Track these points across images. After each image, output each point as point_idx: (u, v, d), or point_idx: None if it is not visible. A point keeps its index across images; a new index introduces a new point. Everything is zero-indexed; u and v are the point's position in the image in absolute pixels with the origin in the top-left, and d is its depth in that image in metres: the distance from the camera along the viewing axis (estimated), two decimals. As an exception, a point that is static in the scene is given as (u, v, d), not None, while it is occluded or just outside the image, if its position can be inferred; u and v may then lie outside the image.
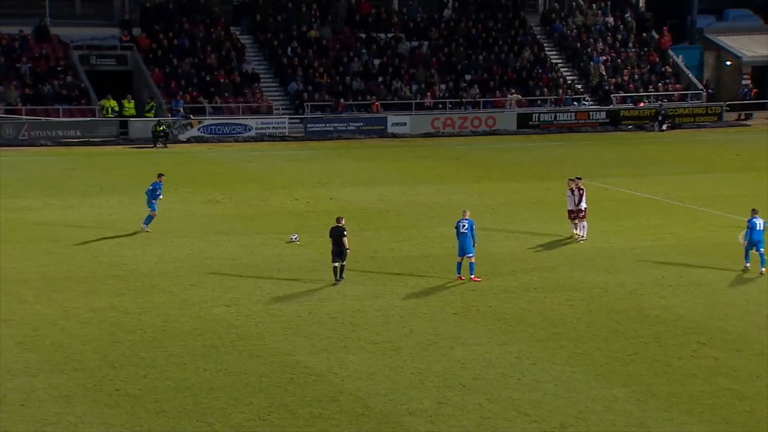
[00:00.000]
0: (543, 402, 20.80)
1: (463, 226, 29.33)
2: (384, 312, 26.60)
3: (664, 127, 63.88)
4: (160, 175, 36.18)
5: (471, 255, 29.27)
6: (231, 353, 23.51)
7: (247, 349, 23.74)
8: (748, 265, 30.52)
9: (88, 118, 59.16)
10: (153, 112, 59.65)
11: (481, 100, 65.32)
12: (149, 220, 35.12)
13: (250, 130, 60.13)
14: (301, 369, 22.53)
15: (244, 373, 22.23)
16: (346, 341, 24.37)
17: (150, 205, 35.15)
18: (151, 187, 35.39)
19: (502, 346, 24.10)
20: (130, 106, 60.15)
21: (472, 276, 29.28)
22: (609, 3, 73.09)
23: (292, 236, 34.00)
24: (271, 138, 59.81)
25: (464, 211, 30.08)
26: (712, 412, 20.39)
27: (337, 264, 29.25)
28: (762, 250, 30.15)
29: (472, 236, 29.32)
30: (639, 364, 22.96)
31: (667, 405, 20.73)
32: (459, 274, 29.42)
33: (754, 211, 30.77)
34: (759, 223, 30.23)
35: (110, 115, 59.45)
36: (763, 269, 30.10)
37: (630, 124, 64.78)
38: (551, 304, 27.39)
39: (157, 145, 56.82)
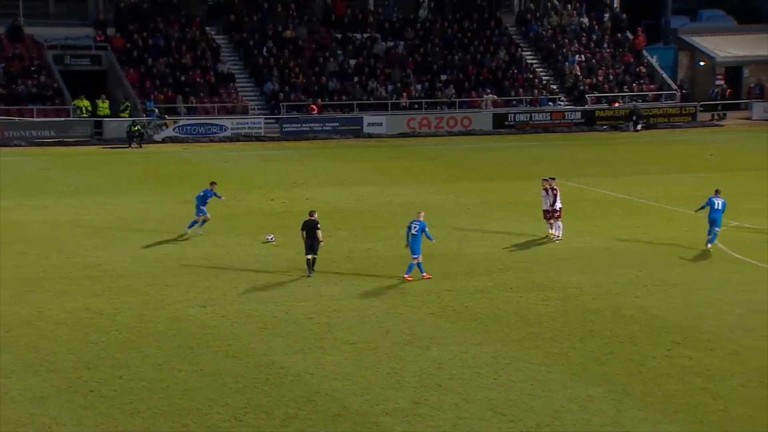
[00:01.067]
0: (519, 402, 20.85)
1: (414, 227, 29.38)
2: (360, 312, 26.60)
3: (639, 127, 64.16)
4: (212, 183, 35.33)
5: (417, 256, 29.27)
6: (206, 354, 23.46)
7: (222, 350, 23.69)
8: (710, 246, 32.45)
9: (63, 118, 58.89)
10: (128, 112, 59.42)
11: (457, 100, 65.42)
12: (202, 224, 34.39)
13: (225, 130, 60.00)
14: (277, 369, 22.50)
15: (219, 374, 22.18)
16: (322, 341, 24.36)
17: (199, 210, 34.42)
18: (201, 194, 34.70)
19: (478, 346, 24.14)
20: (104, 106, 59.89)
21: (407, 275, 29.26)
22: (584, 4, 73.34)
23: (268, 236, 33.96)
24: (247, 138, 59.71)
25: (418, 213, 30.17)
26: (686, 411, 20.49)
27: (310, 256, 29.46)
28: (717, 229, 32.26)
29: (428, 237, 29.35)
30: (614, 363, 23.06)
31: (642, 404, 20.82)
32: (408, 274, 29.45)
33: (717, 192, 33.09)
34: (718, 202, 32.65)
35: (84, 115, 59.19)
36: (710, 246, 32.36)
37: (605, 125, 65.03)
38: (527, 303, 27.46)
39: (132, 146, 56.62)
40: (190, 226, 34.66)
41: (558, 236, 34.20)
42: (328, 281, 29.30)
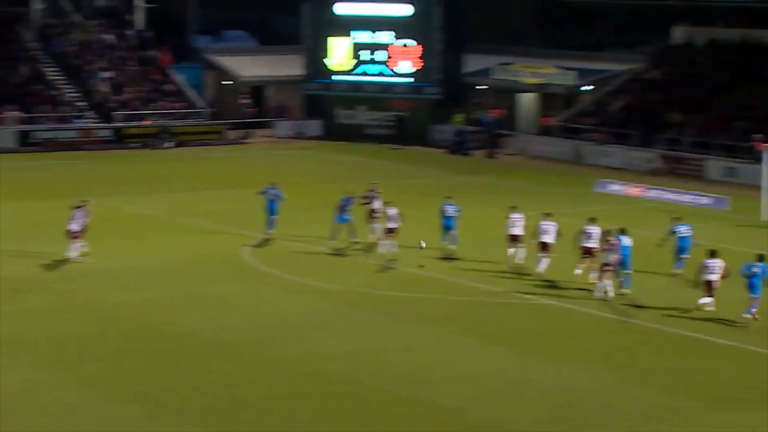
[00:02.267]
0: (48, 427, 20.34)
1: None
2: None
3: (169, 144, 64.71)
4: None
5: None
6: None
7: None
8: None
9: None
10: None
11: (-21, 117, 62.48)
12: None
13: None
14: None
15: None
16: None
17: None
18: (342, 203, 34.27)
19: (4, 372, 23.23)
20: None
21: None
22: (108, 20, 72.80)
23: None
24: None
25: None
26: (222, 423, 21.02)
27: None
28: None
29: None
30: (152, 380, 23.19)
31: (178, 419, 21.10)
32: None
33: (447, 198, 35.22)
34: (449, 209, 34.72)
35: None
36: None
37: (135, 142, 64.92)
38: (60, 325, 26.90)
39: None
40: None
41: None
42: None
